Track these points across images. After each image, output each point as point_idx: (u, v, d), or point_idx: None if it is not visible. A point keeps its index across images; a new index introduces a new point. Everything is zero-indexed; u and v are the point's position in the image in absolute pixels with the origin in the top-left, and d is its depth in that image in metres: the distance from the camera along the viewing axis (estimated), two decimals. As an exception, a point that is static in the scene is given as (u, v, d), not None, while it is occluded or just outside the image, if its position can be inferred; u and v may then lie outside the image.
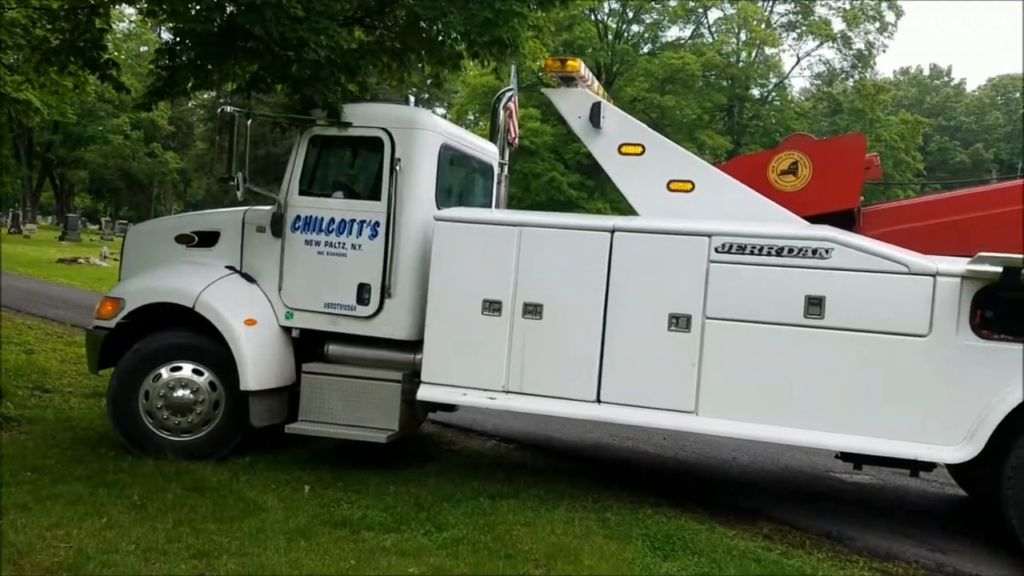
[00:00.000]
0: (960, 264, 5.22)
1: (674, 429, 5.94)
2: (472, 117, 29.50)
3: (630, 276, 5.77)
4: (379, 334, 6.28)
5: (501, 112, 7.47)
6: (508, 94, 7.55)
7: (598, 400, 5.80)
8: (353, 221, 6.33)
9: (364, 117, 6.45)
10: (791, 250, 5.47)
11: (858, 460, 5.81)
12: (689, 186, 6.11)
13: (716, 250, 5.61)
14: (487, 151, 7.41)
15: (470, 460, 7.02)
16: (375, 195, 6.34)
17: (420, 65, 7.80)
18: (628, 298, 5.77)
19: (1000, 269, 5.05)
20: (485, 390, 5.97)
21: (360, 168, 6.87)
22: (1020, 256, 5.05)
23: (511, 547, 4.87)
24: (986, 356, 5.14)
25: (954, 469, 6.17)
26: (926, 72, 59.11)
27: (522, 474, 6.46)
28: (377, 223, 6.26)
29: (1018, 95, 54.46)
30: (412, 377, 6.19)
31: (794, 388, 5.47)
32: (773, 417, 5.50)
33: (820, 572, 4.87)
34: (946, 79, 58.36)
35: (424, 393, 6.09)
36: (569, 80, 6.32)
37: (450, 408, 6.71)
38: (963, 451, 5.14)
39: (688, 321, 5.64)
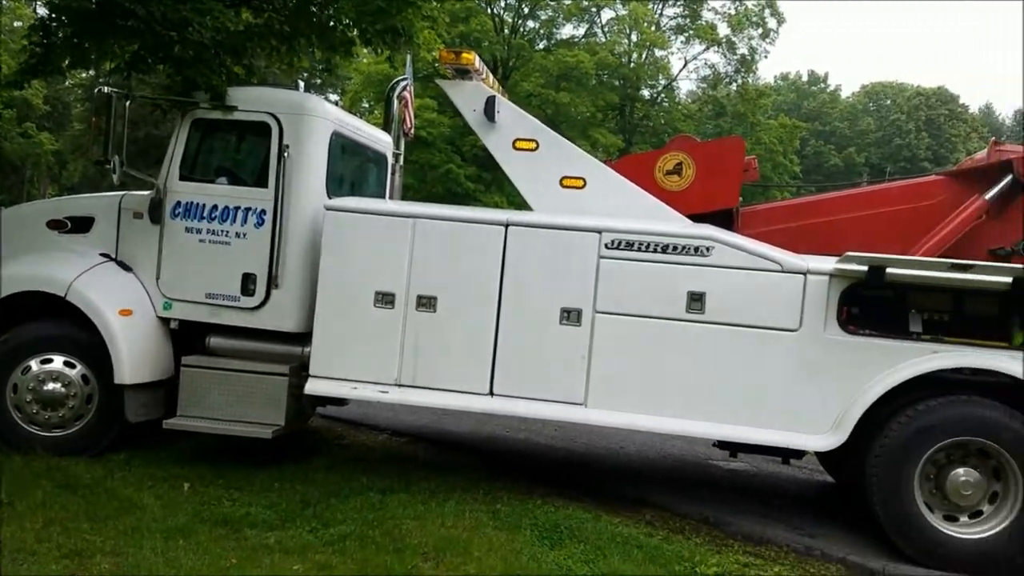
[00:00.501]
0: (829, 263, 5.52)
1: (565, 421, 6.05)
2: (367, 105, 29.04)
3: (523, 270, 5.83)
4: (265, 326, 6.12)
5: (396, 101, 7.40)
6: (403, 83, 7.49)
7: (491, 393, 5.85)
8: (238, 208, 6.14)
9: (250, 101, 6.26)
10: (675, 247, 5.66)
11: (734, 448, 6.08)
12: (581, 183, 6.22)
13: (606, 246, 5.74)
14: (381, 140, 7.32)
15: (360, 455, 6.94)
16: (262, 182, 6.17)
17: (311, 50, 7.63)
18: (521, 292, 5.83)
19: (865, 268, 5.37)
20: (377, 384, 5.91)
21: (246, 154, 6.66)
22: (884, 256, 5.39)
23: (400, 541, 4.85)
24: (852, 350, 5.45)
25: (822, 456, 6.51)
26: (804, 78, 62.07)
27: (414, 468, 6.45)
28: (264, 211, 6.10)
29: (889, 102, 58.03)
30: (300, 370, 6.06)
31: (677, 380, 5.66)
32: (657, 408, 5.67)
33: (697, 556, 5.07)
34: (823, 85, 61.45)
35: (312, 387, 5.97)
36: (464, 73, 6.32)
37: (340, 402, 6.61)
38: (830, 439, 5.43)
39: (579, 315, 5.75)
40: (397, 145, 7.47)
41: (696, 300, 5.61)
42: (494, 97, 6.30)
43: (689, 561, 4.99)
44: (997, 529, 5.26)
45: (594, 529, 5.36)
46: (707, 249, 5.62)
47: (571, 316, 5.76)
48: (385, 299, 5.91)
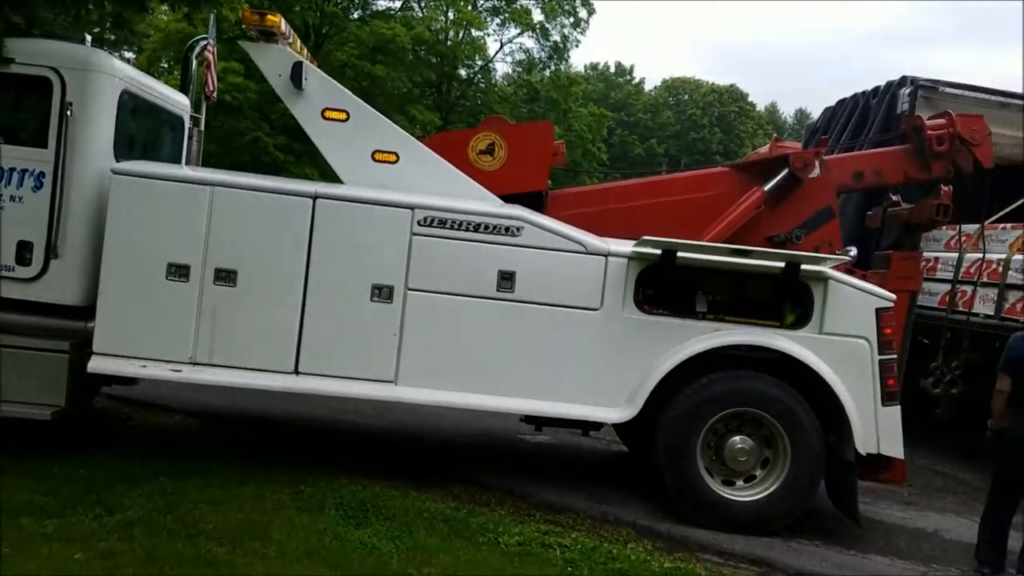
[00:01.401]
0: (627, 246, 5.82)
1: (375, 398, 6.00)
2: (166, 65, 27.05)
3: (333, 245, 5.69)
4: (43, 299, 5.59)
5: (195, 62, 6.95)
6: (204, 44, 7.04)
7: (296, 371, 5.68)
8: (12, 170, 5.55)
9: (30, 54, 5.65)
10: (486, 227, 5.74)
11: (539, 422, 6.30)
12: (394, 157, 6.15)
13: (419, 223, 5.72)
14: (177, 102, 6.86)
15: (151, 438, 6.54)
16: (40, 142, 5.60)
17: (101, 1, 6.98)
18: (330, 267, 5.69)
19: (659, 252, 5.71)
20: (169, 361, 5.57)
21: (24, 111, 6.01)
22: (675, 240, 5.75)
23: (194, 527, 4.62)
24: (646, 328, 5.78)
25: (618, 428, 6.89)
26: (612, 69, 64.81)
27: (210, 451, 6.16)
28: (42, 173, 5.54)
29: (686, 97, 61.77)
30: (82, 347, 5.59)
31: (487, 357, 5.76)
32: (468, 384, 5.75)
33: (501, 527, 5.21)
34: (629, 77, 64.43)
35: (95, 365, 5.53)
36: (269, 35, 6.04)
37: (130, 381, 6.17)
38: (626, 412, 5.75)
39: (391, 292, 5.70)
40: (196, 109, 7.03)
41: (506, 279, 5.72)
42: (301, 63, 6.08)
43: (493, 532, 5.12)
44: (768, 492, 5.78)
45: (401, 506, 5.37)
46: (517, 229, 5.74)
47: (382, 293, 5.70)
48: (179, 272, 5.56)
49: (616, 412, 5.77)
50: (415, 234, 5.72)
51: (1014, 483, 5.56)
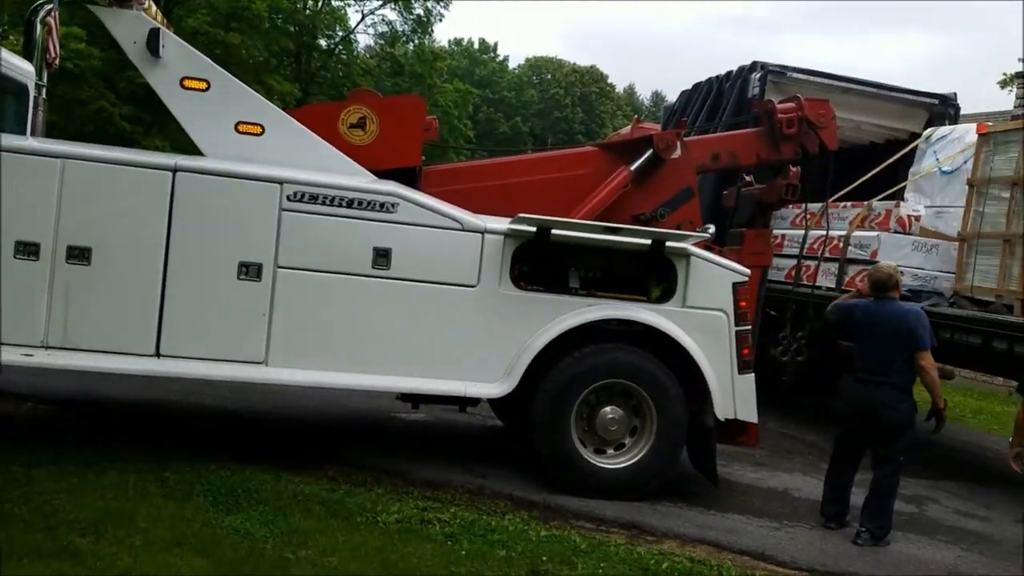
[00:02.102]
0: (504, 223, 5.88)
1: (244, 380, 5.80)
2: (2, 30, 24.80)
3: (195, 221, 5.45)
4: None
5: (39, 26, 6.41)
6: (47, 7, 6.50)
7: (158, 354, 5.42)
8: None
9: None
10: (360, 203, 5.64)
11: (415, 400, 6.30)
12: (259, 130, 5.93)
13: (288, 198, 5.55)
14: (20, 69, 6.32)
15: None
16: None
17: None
18: (193, 244, 5.45)
19: (534, 229, 5.81)
20: (18, 345, 5.19)
21: None
22: (550, 218, 5.87)
23: (52, 518, 4.34)
24: (522, 305, 5.86)
25: (494, 403, 6.98)
26: (476, 46, 64.76)
27: (66, 439, 5.78)
28: None
29: (549, 76, 62.59)
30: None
31: (362, 335, 5.69)
32: (342, 364, 5.67)
33: (379, 506, 5.19)
34: (493, 54, 64.62)
35: (-68, 352, 5.07)
36: (123, 1, 5.67)
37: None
38: (502, 387, 5.82)
39: (259, 270, 5.52)
40: (40, 76, 6.50)
41: (382, 256, 5.66)
42: (158, 30, 5.74)
43: (371, 511, 5.10)
44: (636, 458, 6.02)
45: (274, 489, 5.24)
46: (392, 205, 5.68)
47: (250, 271, 5.52)
48: (28, 250, 5.18)
49: (493, 387, 5.84)
50: (284, 210, 5.55)
51: (852, 444, 6.01)
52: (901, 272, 6.41)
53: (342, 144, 6.23)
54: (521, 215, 5.77)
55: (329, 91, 32.59)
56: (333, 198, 5.59)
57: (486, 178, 6.98)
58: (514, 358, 5.81)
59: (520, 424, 6.47)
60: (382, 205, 5.66)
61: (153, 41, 5.69)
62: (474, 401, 6.28)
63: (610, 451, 6.08)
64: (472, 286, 5.79)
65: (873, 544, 5.65)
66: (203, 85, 5.85)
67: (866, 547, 5.60)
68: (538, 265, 6.07)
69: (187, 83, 5.83)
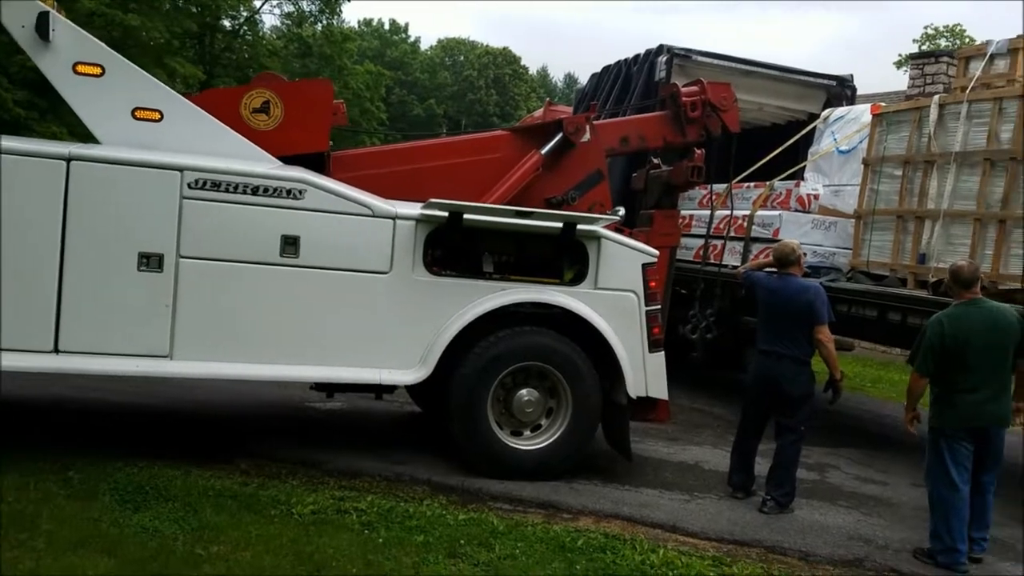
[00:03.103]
0: (415, 208, 5.85)
1: (149, 375, 5.62)
2: None
3: (91, 211, 5.23)
4: None
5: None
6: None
7: (56, 350, 5.20)
8: None
9: None
10: (266, 189, 5.52)
11: (330, 389, 6.22)
12: (158, 115, 5.72)
13: (189, 186, 5.39)
14: None
15: None
16: None
17: None
18: (90, 235, 5.23)
19: (446, 214, 5.79)
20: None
21: None
22: (462, 203, 5.86)
23: (-55, 526, 4.14)
24: (436, 290, 5.86)
25: (411, 389, 6.96)
26: (387, 27, 63.82)
27: (-45, 442, 5.50)
28: None
29: (462, 58, 62.25)
30: None
31: (272, 325, 5.58)
32: (252, 355, 5.55)
33: (294, 498, 5.12)
34: (404, 35, 63.80)
35: None
36: (8, -19, 5.37)
37: None
38: (419, 373, 5.81)
39: (160, 260, 5.35)
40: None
41: (290, 244, 5.55)
42: (47, 13, 5.46)
43: (285, 503, 5.03)
44: (552, 439, 6.10)
45: (183, 485, 5.12)
46: (300, 192, 5.57)
47: (151, 262, 5.34)
48: (-92, 245, 4.87)
49: (410, 374, 5.83)
50: (185, 198, 5.39)
51: (756, 414, 6.25)
52: (804, 251, 6.69)
53: (245, 130, 6.07)
54: (432, 200, 5.74)
55: (235, 73, 31.64)
56: (237, 185, 5.45)
57: (397, 163, 6.91)
58: (429, 344, 5.80)
59: (438, 409, 6.47)
60: (289, 192, 5.54)
61: (43, 25, 5.43)
62: (390, 388, 6.25)
63: (527, 433, 6.15)
64: (384, 273, 5.75)
65: (778, 512, 5.89)
66: (97, 70, 5.61)
67: (772, 515, 5.84)
68: (451, 250, 6.06)
69: (80, 68, 5.58)
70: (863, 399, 11.74)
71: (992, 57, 7.31)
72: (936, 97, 7.74)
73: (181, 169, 5.38)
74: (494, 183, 6.92)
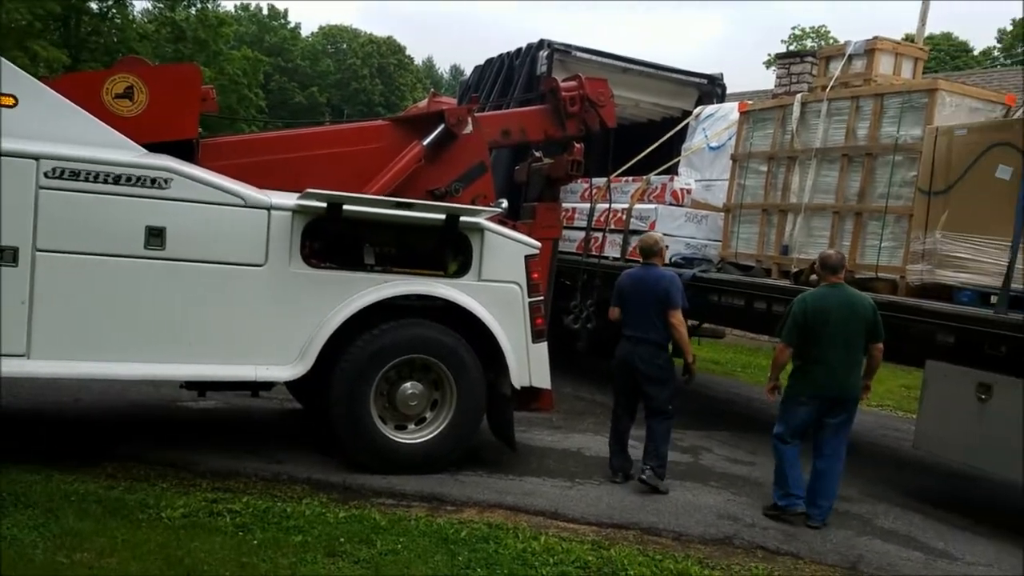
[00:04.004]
0: (291, 199, 5.69)
1: (4, 375, 5.25)
2: None
3: (-67, 202, 4.83)
4: None
5: None
6: None
7: None
8: None
9: None
10: (129, 179, 5.25)
11: (202, 387, 6.00)
12: (12, 101, 5.32)
13: (46, 175, 5.07)
14: None
15: None
16: None
17: None
18: (-69, 228, 4.84)
19: (325, 205, 5.67)
20: None
21: None
22: (341, 194, 5.74)
23: None
24: (315, 283, 5.72)
25: (291, 385, 6.79)
26: (265, 12, 61.80)
27: None
28: None
29: (345, 46, 61.05)
30: None
31: (138, 321, 5.33)
32: (116, 353, 5.28)
33: (163, 501, 4.91)
34: (284, 21, 61.93)
35: None
36: None
37: None
38: (296, 369, 5.67)
39: (15, 254, 5.02)
40: None
41: (156, 236, 5.31)
42: None
43: (154, 507, 4.81)
44: (437, 431, 6.08)
45: (44, 491, 4.82)
46: (165, 181, 5.33)
47: (4, 255, 5.02)
48: None
49: (287, 370, 5.68)
50: (42, 188, 5.06)
51: (625, 397, 6.48)
52: (667, 243, 7.04)
53: (108, 116, 5.73)
54: (309, 190, 5.60)
55: (103, 58, 29.95)
56: (97, 174, 5.16)
57: (272, 151, 6.69)
58: (308, 339, 5.67)
59: (319, 405, 6.34)
60: (153, 181, 5.29)
61: None
62: (267, 385, 6.08)
63: (411, 426, 6.11)
64: (259, 265, 5.57)
65: (656, 481, 6.16)
66: (-58, 52, 5.18)
67: (649, 485, 6.12)
68: (331, 242, 5.94)
69: (-80, 47, 5.14)
70: (734, 383, 12.28)
71: (850, 57, 7.75)
72: (798, 96, 8.16)
73: (37, 157, 5.06)
74: (375, 174, 6.81)
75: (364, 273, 5.91)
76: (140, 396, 7.39)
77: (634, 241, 9.42)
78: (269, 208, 5.60)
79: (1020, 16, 43.34)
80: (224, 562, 4.22)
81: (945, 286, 6.36)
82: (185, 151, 6.04)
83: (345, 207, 5.69)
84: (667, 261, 8.50)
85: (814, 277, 7.15)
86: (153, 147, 5.72)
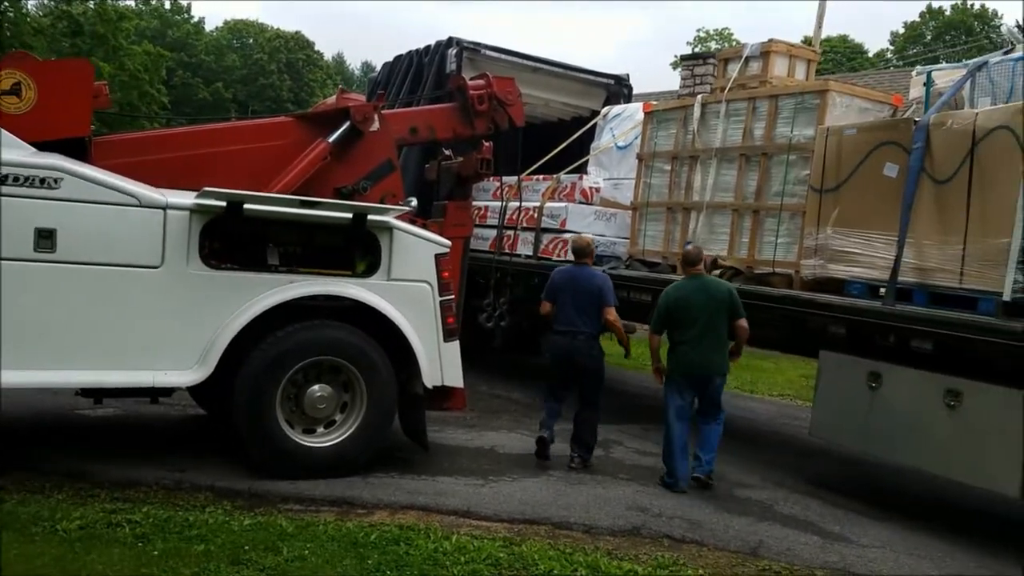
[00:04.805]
0: (189, 198, 5.52)
1: None
2: None
3: None
4: None
5: None
6: None
7: None
8: None
9: None
10: (16, 178, 5.02)
11: (99, 394, 5.77)
12: None
13: (-77, 175, 4.78)
14: None
15: None
16: None
17: None
18: None
19: (224, 204, 5.52)
20: None
21: None
22: (241, 192, 5.60)
23: None
24: (215, 285, 5.56)
25: (193, 390, 6.58)
26: (168, 6, 59.64)
27: None
28: None
29: (251, 41, 59.50)
30: None
31: (28, 327, 5.08)
32: (8, 360, 5.01)
33: (59, 513, 4.71)
34: (187, 15, 59.92)
35: None
36: None
37: None
38: (197, 374, 5.51)
39: None
40: None
41: (45, 238, 5.08)
42: None
43: (49, 520, 4.61)
44: (347, 434, 5.99)
45: (-75, 509, 4.56)
46: (55, 181, 5.10)
47: None
48: None
49: (186, 375, 5.51)
50: (-80, 188, 4.78)
51: (559, 386, 6.95)
52: (598, 245, 7.63)
53: (-8, 113, 5.45)
54: (207, 189, 5.45)
55: (-8, 51, 28.38)
56: (-18, 174, 4.90)
57: (169, 149, 6.45)
58: (209, 342, 5.52)
59: (223, 411, 6.17)
60: (43, 180, 5.06)
61: None
62: (168, 391, 5.88)
63: (320, 429, 6.01)
64: (156, 267, 5.39)
65: (583, 464, 6.77)
66: None
67: (578, 470, 6.70)
68: (233, 242, 5.79)
69: None
70: (645, 377, 12.45)
71: (747, 60, 8.01)
72: (699, 97, 8.39)
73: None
74: (279, 171, 6.66)
75: (268, 274, 5.79)
76: (37, 404, 7.04)
77: (545, 239, 9.53)
78: (165, 208, 5.42)
79: (912, 19, 45.66)
80: (123, 574, 4.08)
81: (837, 280, 6.64)
82: (77, 149, 5.79)
83: (246, 206, 5.56)
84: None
85: (716, 272, 7.42)
86: (43, 145, 5.46)
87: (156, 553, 4.35)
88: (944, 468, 5.94)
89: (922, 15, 48.37)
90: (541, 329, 11.68)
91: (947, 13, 47.25)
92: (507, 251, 9.83)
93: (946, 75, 6.84)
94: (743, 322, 6.47)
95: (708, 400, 6.58)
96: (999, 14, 45.33)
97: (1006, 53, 6.53)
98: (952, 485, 6.53)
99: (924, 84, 6.91)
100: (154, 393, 5.77)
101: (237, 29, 60.40)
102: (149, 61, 34.88)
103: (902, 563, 5.35)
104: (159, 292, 5.41)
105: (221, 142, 6.70)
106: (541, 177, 10.27)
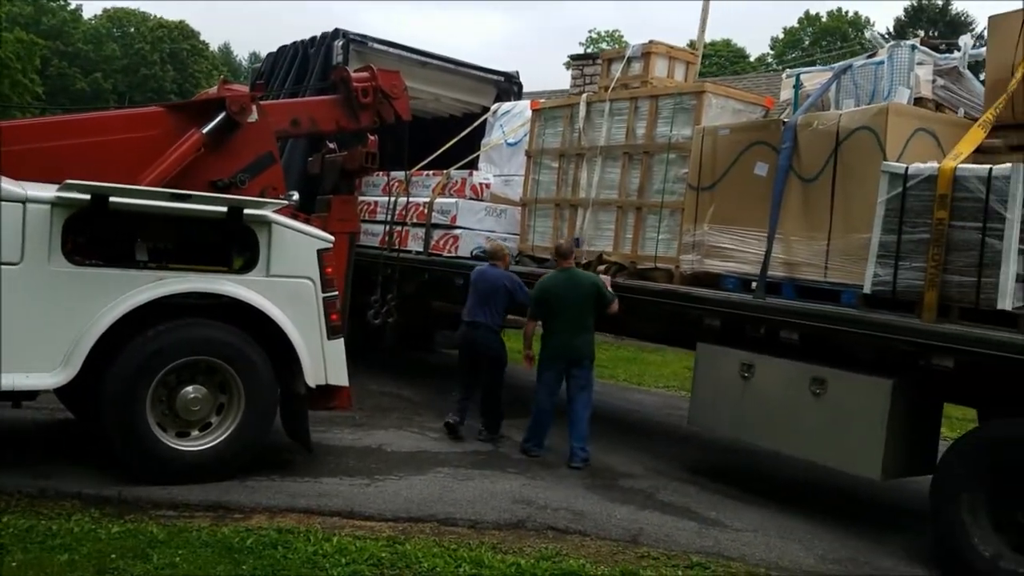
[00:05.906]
0: (50, 191, 5.22)
1: None
2: None
3: None
4: None
5: None
6: None
7: None
8: None
9: None
10: None
11: (-49, 401, 5.39)
12: None
13: None
14: None
15: None
16: None
17: None
18: None
19: (88, 197, 5.24)
20: None
21: None
22: (106, 185, 5.33)
23: None
24: (79, 282, 5.29)
25: (60, 393, 6.22)
26: (40, -8, 56.30)
27: None
28: None
29: (132, 30, 56.90)
30: None
31: None
32: None
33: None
34: (63, 3, 56.83)
35: None
36: None
37: None
38: (59, 376, 5.22)
39: None
40: None
41: None
42: None
43: None
44: (224, 436, 5.78)
45: None
46: None
47: None
48: None
49: (48, 378, 5.21)
50: None
51: (468, 371, 7.76)
52: (509, 249, 8.46)
53: None
54: (70, 181, 5.16)
55: None
56: None
57: (29, 140, 6.10)
58: (73, 343, 5.23)
59: (92, 414, 5.86)
60: None
61: None
62: (31, 394, 5.55)
63: (195, 432, 5.78)
64: (14, 264, 5.08)
65: (490, 435, 7.68)
66: None
67: (487, 440, 7.61)
68: (98, 238, 5.51)
69: None
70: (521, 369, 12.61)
71: (629, 60, 8.18)
72: (584, 96, 8.52)
73: None
74: (150, 163, 6.38)
75: (136, 270, 5.53)
76: None
77: (436, 235, 9.48)
78: (24, 201, 5.12)
79: (791, 25, 47.76)
80: (-29, 592, 3.82)
81: (713, 274, 6.88)
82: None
83: (111, 199, 5.29)
84: (470, 254, 8.78)
85: (602, 267, 7.57)
86: None
87: (15, 564, 4.10)
88: (812, 453, 6.24)
89: (800, 21, 50.80)
90: (435, 326, 11.67)
91: (823, 19, 49.76)
92: (396, 247, 9.71)
93: (814, 78, 7.18)
94: (614, 305, 7.11)
95: (576, 383, 7.18)
96: (871, 21, 48.11)
97: (869, 57, 6.88)
98: (820, 469, 6.86)
99: (793, 86, 7.22)
100: (15, 397, 5.43)
101: (117, 18, 57.74)
102: (22, 49, 33.04)
103: (772, 545, 5.59)
104: (17, 290, 5.09)
105: (86, 133, 6.37)
106: (431, 173, 10.21)
